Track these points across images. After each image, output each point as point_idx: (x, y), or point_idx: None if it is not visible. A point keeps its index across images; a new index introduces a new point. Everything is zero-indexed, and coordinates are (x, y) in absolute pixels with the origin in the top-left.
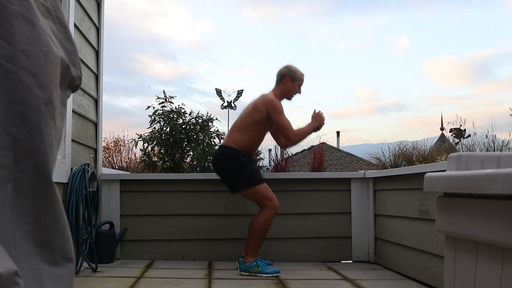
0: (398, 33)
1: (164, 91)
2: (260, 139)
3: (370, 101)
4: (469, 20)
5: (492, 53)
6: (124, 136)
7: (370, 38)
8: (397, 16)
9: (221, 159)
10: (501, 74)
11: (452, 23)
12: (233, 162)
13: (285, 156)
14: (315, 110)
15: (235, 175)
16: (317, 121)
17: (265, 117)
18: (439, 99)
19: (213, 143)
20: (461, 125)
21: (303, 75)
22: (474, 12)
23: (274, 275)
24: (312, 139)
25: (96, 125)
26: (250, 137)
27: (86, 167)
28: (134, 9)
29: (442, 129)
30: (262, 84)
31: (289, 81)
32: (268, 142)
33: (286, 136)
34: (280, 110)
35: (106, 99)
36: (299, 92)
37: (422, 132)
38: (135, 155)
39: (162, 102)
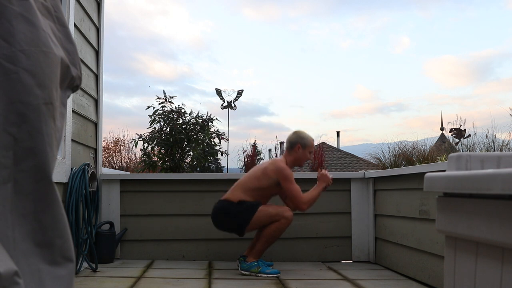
0: (399, 33)
1: (164, 91)
2: (263, 202)
3: (371, 101)
4: (471, 20)
5: (494, 53)
6: (124, 136)
7: (371, 38)
8: (399, 16)
9: (221, 210)
10: (502, 74)
11: (454, 22)
12: (232, 208)
13: None
14: (320, 169)
15: (236, 216)
16: (324, 182)
17: (273, 183)
18: (440, 99)
19: (213, 143)
20: (461, 125)
21: (313, 140)
22: (476, 11)
23: (274, 275)
24: None
25: (96, 125)
26: (253, 199)
27: (86, 167)
28: (134, 8)
29: (442, 129)
30: (263, 83)
31: (300, 149)
32: (268, 142)
33: (297, 205)
34: (291, 180)
35: (106, 98)
36: (310, 159)
37: (423, 132)
38: (135, 155)
39: (162, 102)
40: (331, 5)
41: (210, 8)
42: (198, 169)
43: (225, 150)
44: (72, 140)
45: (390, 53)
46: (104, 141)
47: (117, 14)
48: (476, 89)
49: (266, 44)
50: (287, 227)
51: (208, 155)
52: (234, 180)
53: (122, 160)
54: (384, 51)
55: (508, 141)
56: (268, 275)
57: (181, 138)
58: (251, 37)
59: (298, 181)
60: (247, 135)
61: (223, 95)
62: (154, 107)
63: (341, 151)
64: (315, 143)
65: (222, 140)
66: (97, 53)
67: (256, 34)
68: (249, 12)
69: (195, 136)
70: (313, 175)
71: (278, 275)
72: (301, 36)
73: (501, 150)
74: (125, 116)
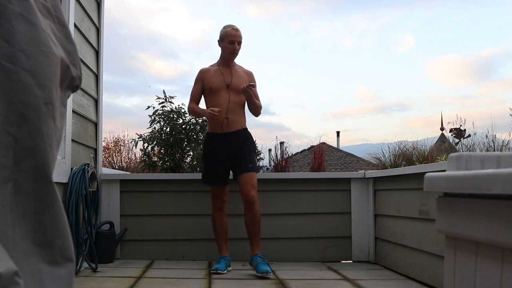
0: (403, 31)
1: (164, 91)
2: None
3: (372, 101)
4: (475, 19)
5: (497, 52)
6: (124, 136)
7: (374, 37)
8: (403, 14)
9: None
10: (505, 74)
11: (458, 21)
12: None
13: (285, 156)
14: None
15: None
16: (208, 114)
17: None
18: (442, 98)
19: None
20: (461, 125)
21: (228, 28)
22: (481, 10)
23: (215, 271)
24: (312, 139)
25: (96, 125)
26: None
27: (86, 167)
28: (135, 6)
29: (442, 129)
30: (264, 83)
31: (220, 43)
32: (268, 142)
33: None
34: (195, 80)
35: (106, 98)
36: (234, 48)
37: (424, 132)
38: (135, 155)
39: (162, 102)
40: (333, 3)
41: (210, 7)
42: (198, 169)
43: None
44: (72, 140)
45: (393, 52)
46: (104, 141)
47: (118, 12)
48: (478, 89)
49: (268, 42)
50: (214, 217)
51: None
52: (234, 180)
53: (122, 160)
54: (386, 50)
55: (508, 141)
56: (212, 271)
57: (181, 138)
58: (252, 36)
59: (297, 181)
60: None
61: None
62: (154, 107)
63: (341, 151)
64: (316, 143)
65: None
66: (97, 53)
67: (258, 32)
68: (250, 10)
69: (195, 136)
70: (313, 175)
71: (219, 270)
72: (302, 34)
73: (501, 150)
74: (125, 116)
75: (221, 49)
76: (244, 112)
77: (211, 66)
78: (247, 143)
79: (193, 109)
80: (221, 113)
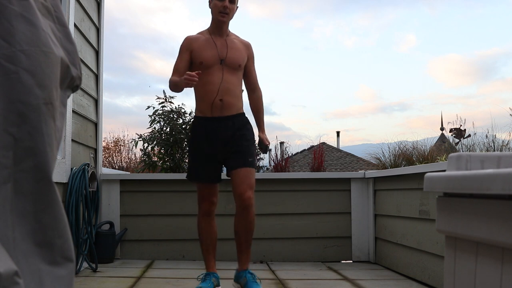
0: (405, 31)
1: (164, 91)
2: (199, 90)
3: (373, 100)
4: (478, 18)
5: (499, 52)
6: (124, 136)
7: (376, 36)
8: (405, 13)
9: None
10: (507, 73)
11: (461, 20)
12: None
13: (285, 156)
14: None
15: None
16: (184, 80)
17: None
18: (444, 98)
19: None
20: (461, 125)
21: None
22: (483, 9)
23: None
24: (312, 139)
25: (96, 125)
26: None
27: (86, 167)
28: (136, 5)
29: (442, 129)
30: (265, 82)
31: (210, 3)
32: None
33: None
34: (179, 50)
35: (106, 98)
36: (223, 5)
37: (425, 132)
38: (135, 155)
39: (162, 102)
40: (336, 2)
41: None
42: None
43: None
44: (72, 140)
45: (395, 52)
46: (104, 141)
47: (118, 11)
48: (480, 88)
49: (269, 41)
50: (201, 220)
51: None
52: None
53: (122, 160)
54: (389, 50)
55: (508, 141)
56: None
57: (181, 138)
58: (253, 34)
59: (297, 181)
60: None
61: None
62: (154, 107)
63: (341, 151)
64: (316, 143)
65: None
66: (97, 53)
67: (259, 31)
68: (252, 9)
69: None
70: (313, 175)
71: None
72: (305, 33)
73: (501, 150)
74: (125, 116)
75: (211, 10)
76: (241, 94)
77: (200, 33)
78: (245, 131)
79: (173, 81)
80: (213, 94)
